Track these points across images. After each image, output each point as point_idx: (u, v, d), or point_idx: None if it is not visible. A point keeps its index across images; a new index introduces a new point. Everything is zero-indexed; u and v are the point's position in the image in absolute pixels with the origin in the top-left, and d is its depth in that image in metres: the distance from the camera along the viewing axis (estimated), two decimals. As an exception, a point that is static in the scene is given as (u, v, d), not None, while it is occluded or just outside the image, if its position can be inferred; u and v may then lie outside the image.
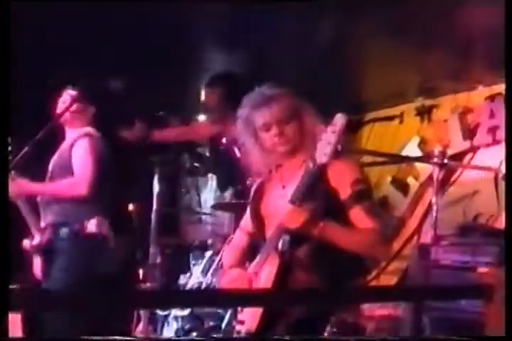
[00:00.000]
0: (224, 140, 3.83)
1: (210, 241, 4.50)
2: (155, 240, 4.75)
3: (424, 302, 2.99)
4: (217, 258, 4.05)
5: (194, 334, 3.75)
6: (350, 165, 2.50)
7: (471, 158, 4.82)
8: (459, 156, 4.78)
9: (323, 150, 2.21)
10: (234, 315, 2.62)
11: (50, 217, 3.65)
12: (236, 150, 3.99)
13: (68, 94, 3.83)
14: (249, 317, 2.33)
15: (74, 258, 3.53)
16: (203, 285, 4.01)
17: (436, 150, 4.25)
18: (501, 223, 4.33)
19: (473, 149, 4.79)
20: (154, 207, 4.80)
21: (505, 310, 1.94)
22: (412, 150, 5.24)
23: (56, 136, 3.88)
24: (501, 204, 4.52)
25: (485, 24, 4.05)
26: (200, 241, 4.55)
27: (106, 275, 3.60)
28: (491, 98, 4.67)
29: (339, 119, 2.22)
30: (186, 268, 4.35)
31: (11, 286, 2.77)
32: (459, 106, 4.96)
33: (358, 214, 2.37)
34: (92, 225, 3.57)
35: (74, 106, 3.75)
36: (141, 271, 4.55)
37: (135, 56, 4.33)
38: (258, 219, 2.57)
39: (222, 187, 4.51)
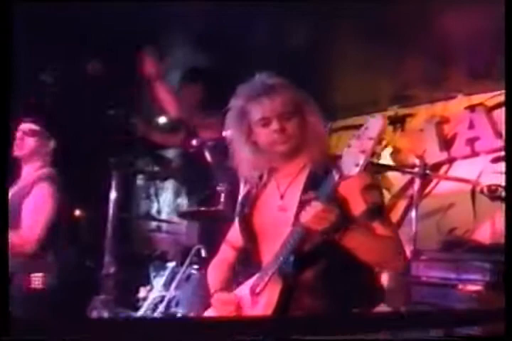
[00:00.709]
0: (194, 142, 3.51)
1: (171, 252, 4.17)
2: (110, 249, 4.41)
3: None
4: (181, 270, 3.73)
5: None
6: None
7: (447, 170, 4.64)
8: (434, 167, 4.59)
9: (353, 160, 1.78)
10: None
11: None
12: (206, 153, 3.69)
13: (23, 130, 3.49)
14: None
15: None
16: (165, 300, 3.68)
17: (417, 160, 4.04)
18: (479, 237, 4.16)
19: (450, 160, 4.62)
20: (110, 212, 4.46)
21: (505, 310, 1.82)
22: (383, 160, 5.03)
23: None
24: (478, 217, 4.36)
25: (466, 32, 3.90)
26: (161, 251, 4.22)
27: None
28: (471, 108, 4.50)
29: (377, 122, 1.81)
30: (146, 281, 4.01)
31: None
32: (436, 115, 4.78)
33: (377, 228, 2.02)
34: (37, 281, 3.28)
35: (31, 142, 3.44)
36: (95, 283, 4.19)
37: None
38: (250, 233, 2.21)
39: (187, 193, 4.19)
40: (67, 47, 3.79)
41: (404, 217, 4.61)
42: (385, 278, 2.88)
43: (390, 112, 5.16)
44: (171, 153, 4.65)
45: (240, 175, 2.32)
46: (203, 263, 3.77)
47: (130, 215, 5.25)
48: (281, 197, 2.16)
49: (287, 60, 4.30)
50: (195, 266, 3.75)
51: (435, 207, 4.56)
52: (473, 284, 3.31)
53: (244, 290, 2.16)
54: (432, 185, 4.63)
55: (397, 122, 5.13)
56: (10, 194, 3.43)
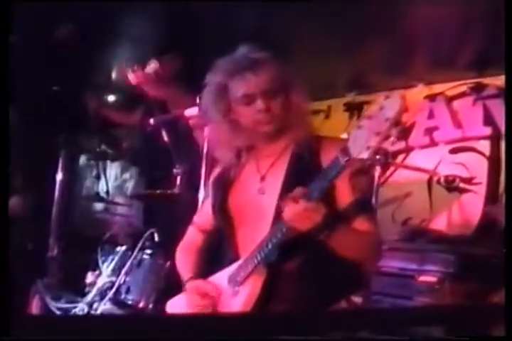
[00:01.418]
0: (152, 121, 3.32)
1: (121, 235, 3.98)
2: (54, 231, 4.21)
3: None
4: (133, 255, 3.56)
5: None
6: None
7: (404, 159, 4.60)
8: (391, 156, 4.53)
9: (365, 142, 1.60)
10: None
11: None
12: (164, 133, 3.52)
13: None
14: None
15: None
16: (115, 286, 3.51)
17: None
18: (436, 228, 4.13)
19: (408, 149, 4.57)
20: (56, 193, 4.25)
21: (505, 310, 1.77)
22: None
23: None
24: (434, 208, 4.33)
25: (429, 19, 3.84)
26: (110, 234, 4.03)
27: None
28: (431, 97, 4.45)
29: (395, 102, 1.64)
30: (94, 265, 3.82)
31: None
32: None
33: (360, 222, 1.91)
34: None
35: None
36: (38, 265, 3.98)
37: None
38: (226, 216, 2.05)
39: (140, 175, 4.01)
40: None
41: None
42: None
43: (348, 99, 5.10)
44: (124, 132, 4.43)
45: (215, 154, 2.16)
46: (156, 248, 3.61)
47: (77, 196, 5.03)
48: (262, 178, 2.01)
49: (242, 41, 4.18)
50: (148, 251, 3.59)
51: (391, 196, 4.52)
52: (433, 275, 3.26)
53: (220, 278, 2.01)
54: (389, 173, 4.57)
55: (354, 109, 5.06)
56: None
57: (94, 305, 3.54)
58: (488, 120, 4.14)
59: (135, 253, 3.56)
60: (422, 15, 3.82)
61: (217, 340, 1.76)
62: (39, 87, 4.37)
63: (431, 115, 4.43)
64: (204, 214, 2.20)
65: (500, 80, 4.08)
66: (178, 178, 3.55)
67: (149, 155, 3.89)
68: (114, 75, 4.45)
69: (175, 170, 3.53)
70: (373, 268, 2.25)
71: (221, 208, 2.07)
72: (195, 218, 2.27)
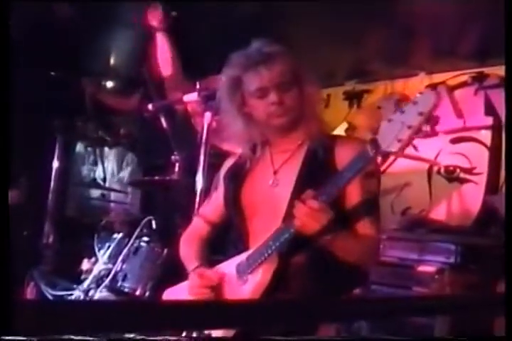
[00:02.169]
0: (150, 106, 3.27)
1: (118, 222, 3.93)
2: (50, 217, 4.17)
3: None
4: (130, 242, 3.52)
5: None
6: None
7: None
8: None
9: (396, 135, 1.62)
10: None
11: None
12: (162, 119, 3.47)
13: None
14: None
15: None
16: (112, 273, 3.47)
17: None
18: (436, 218, 4.10)
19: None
20: (52, 180, 4.21)
21: (505, 310, 1.75)
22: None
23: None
24: (434, 198, 4.30)
25: (432, 8, 3.80)
26: (106, 221, 3.98)
27: None
28: (433, 86, 4.40)
29: (430, 97, 1.71)
30: (90, 252, 3.78)
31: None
32: (395, 92, 4.68)
33: (364, 226, 1.93)
34: None
35: None
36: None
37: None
38: (237, 208, 2.06)
39: (138, 161, 3.96)
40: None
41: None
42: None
43: (347, 87, 5.06)
44: (122, 118, 4.38)
45: (229, 147, 2.17)
46: (154, 236, 3.58)
47: (74, 182, 4.98)
48: (275, 172, 2.02)
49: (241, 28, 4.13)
50: (145, 238, 3.55)
51: (391, 186, 4.48)
52: (433, 265, 3.24)
53: (228, 267, 2.00)
54: (388, 163, 4.54)
55: (354, 98, 5.02)
56: None
57: (90, 293, 3.51)
58: (490, 110, 4.10)
59: (132, 240, 3.53)
60: (423, 4, 3.79)
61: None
62: (36, 73, 4.32)
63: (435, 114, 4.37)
64: (212, 206, 2.20)
65: (502, 70, 4.04)
66: (177, 165, 3.51)
67: (147, 141, 3.84)
68: (111, 60, 4.40)
69: (173, 157, 3.49)
70: (369, 269, 2.27)
71: (234, 200, 2.08)
72: (202, 209, 2.27)
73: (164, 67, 3.69)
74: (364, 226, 1.92)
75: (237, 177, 2.10)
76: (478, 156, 4.13)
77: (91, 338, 1.18)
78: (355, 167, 1.72)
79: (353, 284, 2.03)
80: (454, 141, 4.27)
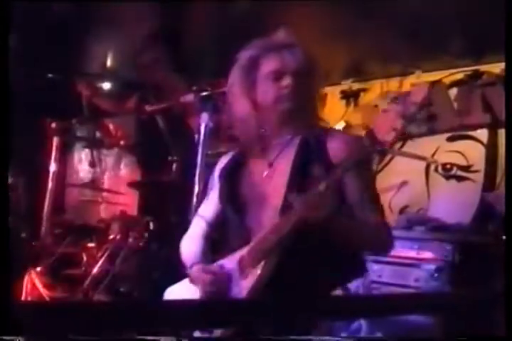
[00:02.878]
0: (147, 107, 3.27)
1: (116, 224, 3.93)
2: (49, 219, 4.16)
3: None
4: (128, 244, 3.53)
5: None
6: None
7: (401, 147, 4.55)
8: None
9: (391, 124, 1.65)
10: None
11: None
12: (159, 120, 3.47)
13: None
14: None
15: None
16: (110, 274, 3.48)
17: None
18: (434, 216, 4.11)
19: (404, 138, 4.52)
20: (50, 181, 4.20)
21: (505, 310, 1.75)
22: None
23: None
24: (431, 196, 4.31)
25: (427, 6, 3.79)
26: (104, 222, 3.98)
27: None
28: (430, 85, 4.40)
29: (423, 87, 1.77)
30: (88, 254, 3.78)
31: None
32: (391, 91, 4.68)
33: (368, 212, 1.92)
34: None
35: None
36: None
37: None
38: (233, 204, 2.05)
39: (136, 162, 3.96)
40: None
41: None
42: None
43: (344, 86, 5.06)
44: (119, 120, 4.38)
45: (234, 133, 2.15)
46: (152, 237, 3.59)
47: (71, 183, 4.98)
48: (270, 165, 2.02)
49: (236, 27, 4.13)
50: (144, 240, 3.56)
51: (388, 184, 4.49)
52: (432, 263, 3.24)
53: (228, 263, 1.99)
54: (386, 161, 4.55)
55: (351, 96, 5.02)
56: None
57: (89, 294, 3.52)
58: (486, 108, 4.11)
59: (130, 241, 3.54)
60: (419, 2, 3.79)
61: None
62: (33, 75, 4.32)
63: (429, 102, 4.38)
64: (211, 205, 2.19)
65: (498, 68, 4.05)
66: (174, 166, 3.51)
67: (144, 143, 3.84)
68: (108, 62, 4.40)
69: (170, 158, 3.49)
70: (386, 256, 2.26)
71: (230, 196, 2.07)
72: (201, 210, 2.24)
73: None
74: (368, 213, 1.92)
75: (233, 173, 2.10)
76: (475, 154, 4.14)
77: (90, 339, 1.18)
78: (351, 158, 1.75)
79: (353, 276, 2.00)
80: (450, 139, 4.28)
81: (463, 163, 4.20)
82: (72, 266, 3.83)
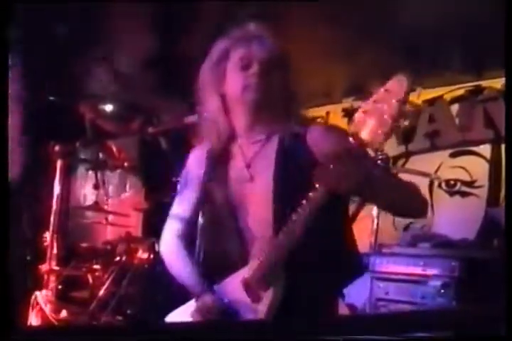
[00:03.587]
0: (151, 129, 3.28)
1: (121, 246, 3.93)
2: (53, 242, 4.15)
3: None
4: (133, 265, 3.53)
5: None
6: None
7: (404, 163, 4.57)
8: (392, 161, 4.50)
9: (377, 127, 1.56)
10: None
11: None
12: (162, 142, 3.47)
13: None
14: None
15: None
16: (116, 296, 3.47)
17: (379, 153, 3.93)
18: (439, 232, 4.10)
19: (407, 154, 4.54)
20: (54, 204, 4.20)
21: (505, 310, 1.75)
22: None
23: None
24: (435, 212, 4.30)
25: (427, 23, 3.82)
26: (109, 244, 3.98)
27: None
28: (430, 101, 4.43)
29: (402, 82, 1.66)
30: (94, 276, 3.77)
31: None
32: (393, 108, 4.68)
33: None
34: None
35: None
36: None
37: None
38: (216, 207, 1.96)
39: (141, 185, 3.97)
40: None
41: (362, 210, 4.51)
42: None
43: (345, 104, 5.08)
44: (122, 141, 4.40)
45: (203, 129, 2.08)
46: (158, 258, 3.58)
47: (75, 206, 4.99)
48: (248, 166, 1.94)
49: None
50: (148, 261, 3.56)
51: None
52: (438, 280, 3.23)
53: (234, 283, 1.89)
54: (389, 179, 4.54)
55: (353, 114, 5.02)
56: None
57: (96, 317, 3.51)
58: (488, 123, 4.12)
59: (135, 263, 3.53)
60: (419, 20, 3.81)
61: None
62: (35, 97, 4.35)
63: (431, 119, 4.40)
64: (187, 204, 2.10)
65: (499, 83, 4.06)
66: (178, 187, 3.51)
67: (148, 164, 3.85)
68: (111, 84, 4.43)
69: (174, 179, 3.49)
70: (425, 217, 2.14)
71: (209, 200, 2.00)
72: (173, 209, 2.16)
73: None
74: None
75: (213, 170, 2.00)
76: (478, 169, 4.15)
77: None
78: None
79: (353, 275, 1.96)
80: (453, 155, 4.29)
81: (466, 178, 4.20)
82: (78, 289, 3.82)
